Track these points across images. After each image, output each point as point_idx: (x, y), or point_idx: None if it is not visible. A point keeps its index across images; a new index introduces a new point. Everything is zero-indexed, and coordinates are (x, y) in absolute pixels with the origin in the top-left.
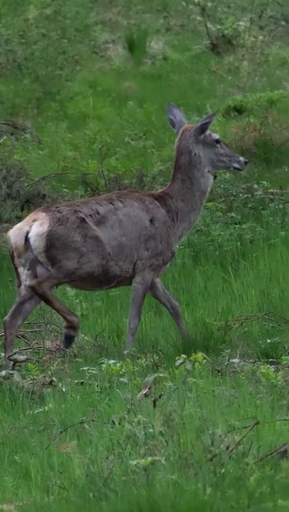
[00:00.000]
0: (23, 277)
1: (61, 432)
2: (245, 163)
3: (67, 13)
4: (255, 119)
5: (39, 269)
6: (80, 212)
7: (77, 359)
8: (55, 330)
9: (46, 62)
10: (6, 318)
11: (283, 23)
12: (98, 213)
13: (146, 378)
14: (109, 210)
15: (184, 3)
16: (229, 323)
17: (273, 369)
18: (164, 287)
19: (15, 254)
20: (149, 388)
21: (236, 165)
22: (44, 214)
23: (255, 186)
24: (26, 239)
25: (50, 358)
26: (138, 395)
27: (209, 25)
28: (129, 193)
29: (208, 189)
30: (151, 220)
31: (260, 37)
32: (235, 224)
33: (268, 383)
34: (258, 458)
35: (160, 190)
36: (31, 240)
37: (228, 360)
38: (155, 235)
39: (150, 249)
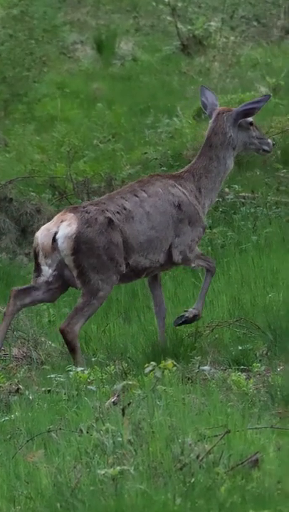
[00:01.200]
0: (46, 274)
1: (28, 441)
2: (274, 145)
3: (34, 14)
4: None
5: (66, 272)
6: (108, 210)
7: (44, 366)
8: (22, 337)
9: (13, 64)
10: (14, 288)
11: (255, 23)
12: (125, 208)
13: (115, 386)
14: (134, 203)
15: (153, 3)
16: (199, 330)
17: (244, 377)
18: (162, 288)
19: (41, 254)
20: (117, 396)
21: (266, 147)
22: (72, 214)
23: (227, 190)
24: (54, 239)
25: (16, 366)
26: (106, 403)
27: (180, 26)
28: (151, 179)
29: (228, 172)
30: (179, 205)
31: (232, 37)
32: (206, 228)
33: (239, 391)
34: (229, 467)
35: (182, 170)
36: (59, 242)
37: (199, 368)
38: (184, 220)
39: (181, 234)
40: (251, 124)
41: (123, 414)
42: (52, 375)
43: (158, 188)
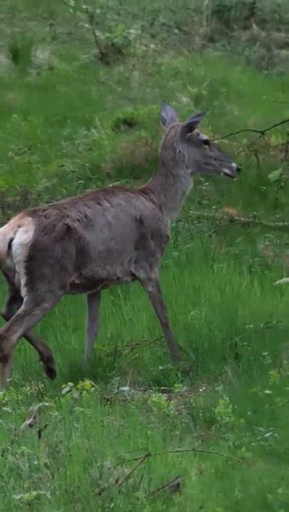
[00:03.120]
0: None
1: None
2: (238, 169)
3: None
4: (146, 133)
5: (17, 278)
6: (68, 217)
7: None
8: None
9: None
10: (3, 310)
11: (176, 30)
12: (86, 216)
13: (31, 407)
14: (97, 211)
15: (71, 10)
16: (119, 349)
17: (165, 397)
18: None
19: None
20: (33, 418)
21: (227, 170)
22: (30, 219)
23: None
24: (9, 246)
25: None
26: (22, 425)
27: (98, 34)
28: (115, 190)
29: (188, 192)
30: (141, 220)
31: (152, 45)
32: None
33: (160, 413)
34: (149, 492)
35: (141, 186)
36: (13, 248)
37: (118, 388)
38: (145, 234)
39: (141, 249)
40: (206, 142)
41: (39, 436)
42: None
43: (121, 199)
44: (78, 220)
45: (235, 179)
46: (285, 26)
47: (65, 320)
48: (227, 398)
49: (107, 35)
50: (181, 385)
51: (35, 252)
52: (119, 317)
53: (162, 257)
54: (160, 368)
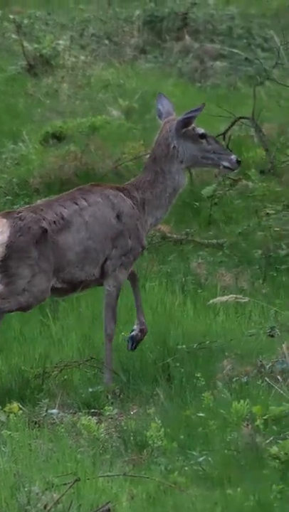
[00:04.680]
0: None
1: None
2: (238, 162)
3: None
4: (75, 147)
5: None
6: (44, 220)
7: None
8: None
9: None
10: None
11: (106, 41)
12: (63, 218)
13: None
14: (74, 211)
15: None
16: (47, 371)
17: (95, 420)
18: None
19: None
20: None
21: (226, 163)
22: (5, 221)
23: None
24: None
25: None
26: None
27: (25, 44)
28: (92, 188)
29: (181, 189)
30: (118, 216)
31: (82, 57)
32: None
33: (90, 436)
34: None
35: (126, 183)
36: None
37: (46, 411)
38: (123, 231)
39: (119, 247)
40: (203, 136)
41: None
42: None
43: (98, 197)
44: (54, 223)
45: (235, 171)
46: (219, 37)
47: None
48: (159, 421)
49: (35, 46)
50: (111, 408)
51: (10, 252)
52: (47, 337)
53: (134, 262)
54: (90, 389)
